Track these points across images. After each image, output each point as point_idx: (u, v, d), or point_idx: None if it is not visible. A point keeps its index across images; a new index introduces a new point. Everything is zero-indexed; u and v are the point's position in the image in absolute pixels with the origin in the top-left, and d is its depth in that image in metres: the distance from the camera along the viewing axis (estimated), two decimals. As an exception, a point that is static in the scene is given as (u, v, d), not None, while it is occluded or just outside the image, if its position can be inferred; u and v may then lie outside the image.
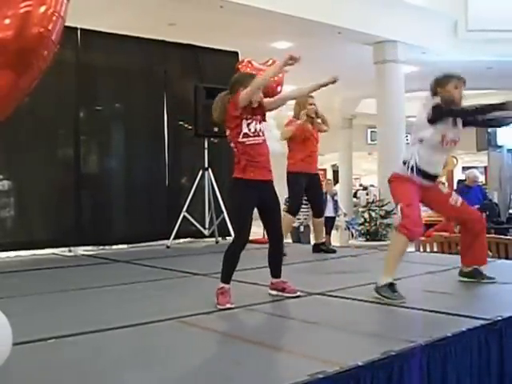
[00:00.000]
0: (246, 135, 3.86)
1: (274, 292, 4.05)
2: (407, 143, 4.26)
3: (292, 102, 6.57)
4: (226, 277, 3.79)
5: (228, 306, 3.66)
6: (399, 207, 4.01)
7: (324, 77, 4.39)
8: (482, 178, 21.81)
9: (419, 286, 4.40)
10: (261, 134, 3.93)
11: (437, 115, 3.99)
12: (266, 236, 4.24)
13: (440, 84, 4.12)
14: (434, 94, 4.13)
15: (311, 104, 6.40)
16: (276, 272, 4.06)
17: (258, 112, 3.95)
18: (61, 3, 4.21)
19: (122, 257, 6.40)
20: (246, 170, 3.85)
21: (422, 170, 4.05)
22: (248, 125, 3.87)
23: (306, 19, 9.71)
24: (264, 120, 4.01)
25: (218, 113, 3.99)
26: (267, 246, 4.37)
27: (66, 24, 4.36)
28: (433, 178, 4.16)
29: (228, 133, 3.96)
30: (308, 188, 6.32)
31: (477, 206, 7.55)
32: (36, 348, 2.88)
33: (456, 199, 4.26)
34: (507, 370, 3.13)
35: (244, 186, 3.86)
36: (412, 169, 4.04)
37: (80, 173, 7.16)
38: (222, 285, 3.77)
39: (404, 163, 4.11)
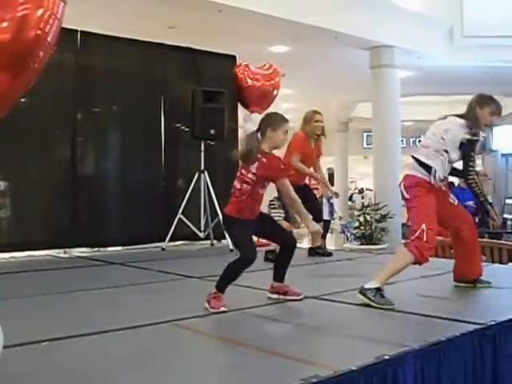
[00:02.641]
0: (264, 186, 3.93)
1: (275, 296, 4.04)
2: (424, 151, 4.20)
3: (292, 115, 6.58)
4: (222, 287, 3.77)
5: (222, 308, 3.65)
6: (422, 227, 3.92)
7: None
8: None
9: (413, 290, 4.41)
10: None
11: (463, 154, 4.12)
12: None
13: (481, 103, 4.16)
14: (470, 109, 4.17)
15: (317, 121, 6.39)
16: (280, 277, 4.06)
17: None
18: (58, 5, 4.23)
19: (117, 259, 6.39)
20: (245, 212, 3.86)
21: (441, 178, 4.10)
22: None
23: (303, 24, 9.74)
24: None
25: (243, 155, 3.95)
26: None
27: (66, 26, 4.40)
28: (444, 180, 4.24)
29: (247, 175, 3.87)
30: (303, 199, 6.33)
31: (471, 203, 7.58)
32: (29, 350, 2.87)
33: (454, 198, 4.31)
34: (501, 375, 3.14)
35: (240, 221, 3.85)
36: (435, 177, 4.05)
37: (76, 174, 7.15)
38: (216, 291, 3.76)
39: (426, 169, 4.09)
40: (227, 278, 3.79)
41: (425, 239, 3.88)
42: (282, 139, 3.96)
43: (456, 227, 4.32)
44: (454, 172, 4.35)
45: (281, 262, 4.08)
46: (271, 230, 4.06)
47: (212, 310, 3.64)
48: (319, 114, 6.47)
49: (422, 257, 3.88)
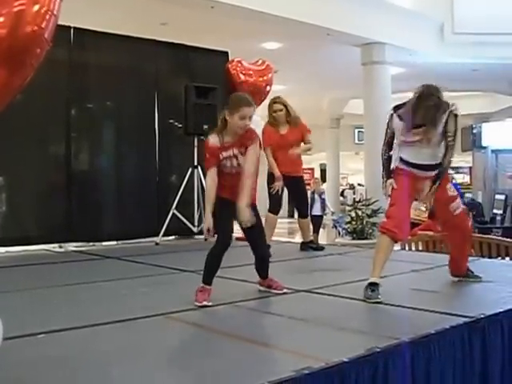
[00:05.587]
0: (221, 165, 3.83)
1: (263, 288, 4.10)
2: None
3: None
4: (208, 278, 3.77)
5: (205, 303, 3.63)
6: (386, 205, 4.09)
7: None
8: (466, 178, 22.02)
9: (404, 283, 4.45)
10: (240, 165, 3.81)
11: None
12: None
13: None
14: None
15: (276, 111, 6.19)
16: (263, 275, 4.10)
17: (237, 144, 3.82)
18: (54, 1, 4.25)
19: (111, 253, 6.42)
20: (221, 190, 3.83)
21: (406, 160, 4.05)
22: (224, 161, 3.82)
23: (295, 20, 9.79)
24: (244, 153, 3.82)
25: None
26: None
27: (60, 23, 4.42)
28: (428, 167, 4.08)
29: None
30: (290, 190, 6.37)
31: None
32: (26, 343, 2.90)
33: (456, 207, 4.19)
34: (490, 368, 3.17)
35: (220, 201, 3.83)
36: (400, 160, 4.07)
37: (71, 170, 7.19)
38: (203, 284, 3.77)
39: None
40: (209, 268, 3.80)
41: (388, 215, 3.98)
42: (238, 125, 3.71)
43: (446, 231, 4.33)
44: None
45: (258, 268, 4.09)
46: (249, 231, 3.92)
47: (196, 304, 3.63)
48: (277, 103, 6.23)
49: (390, 231, 3.90)
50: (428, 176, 4.09)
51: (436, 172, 4.07)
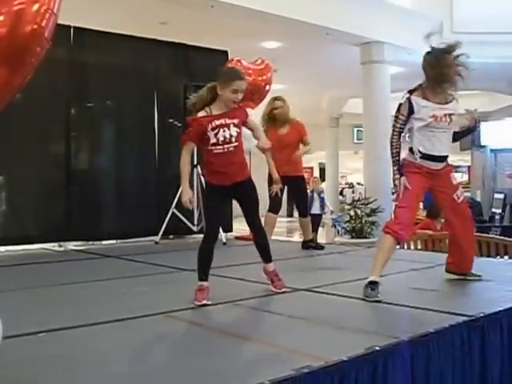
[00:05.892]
0: (204, 144, 3.76)
1: (265, 277, 4.07)
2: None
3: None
4: (203, 274, 3.78)
5: (204, 302, 3.64)
6: (394, 205, 4.09)
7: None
8: (465, 178, 22.02)
9: (404, 282, 4.45)
10: (233, 140, 3.75)
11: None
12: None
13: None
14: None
15: (276, 108, 6.25)
16: (265, 256, 4.02)
17: (229, 116, 3.77)
18: (54, 0, 4.25)
19: (111, 252, 6.43)
20: (210, 175, 3.85)
21: (425, 153, 4.04)
22: (216, 134, 3.72)
23: (294, 20, 9.79)
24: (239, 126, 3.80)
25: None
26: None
27: (60, 22, 4.41)
28: (440, 159, 4.13)
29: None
30: (291, 190, 6.38)
31: None
32: (25, 342, 2.90)
33: (459, 195, 4.22)
34: (489, 367, 3.17)
35: (209, 186, 3.88)
36: (419, 154, 4.04)
37: (71, 169, 7.21)
38: (201, 283, 3.77)
39: (410, 150, 4.10)
40: (202, 263, 3.81)
41: (396, 216, 3.97)
42: (231, 98, 3.71)
43: (450, 219, 4.33)
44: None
45: (256, 244, 4.05)
46: (244, 206, 3.95)
47: (196, 303, 3.64)
48: (279, 100, 6.31)
49: (395, 233, 3.91)
50: (438, 169, 4.12)
51: (445, 163, 4.17)
